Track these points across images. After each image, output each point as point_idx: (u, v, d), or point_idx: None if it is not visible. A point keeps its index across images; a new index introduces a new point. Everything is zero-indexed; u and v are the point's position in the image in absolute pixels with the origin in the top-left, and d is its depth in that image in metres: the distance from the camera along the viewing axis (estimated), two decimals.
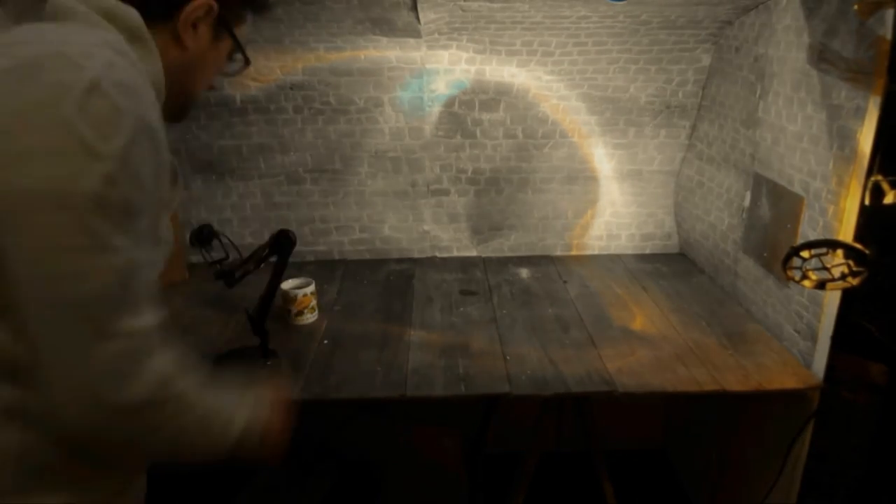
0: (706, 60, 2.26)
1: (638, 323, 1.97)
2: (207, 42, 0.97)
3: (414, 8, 1.92)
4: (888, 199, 1.38)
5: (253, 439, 0.95)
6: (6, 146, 0.71)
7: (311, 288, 2.01)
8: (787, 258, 1.45)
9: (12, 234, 0.72)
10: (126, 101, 0.75)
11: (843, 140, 1.51)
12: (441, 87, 2.35)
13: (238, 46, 1.02)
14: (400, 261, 2.54)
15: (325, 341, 1.88)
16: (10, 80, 0.73)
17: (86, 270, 0.73)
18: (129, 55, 0.83)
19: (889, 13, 1.33)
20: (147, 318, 0.79)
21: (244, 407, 0.95)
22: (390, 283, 2.32)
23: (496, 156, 2.45)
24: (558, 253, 2.59)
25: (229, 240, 1.92)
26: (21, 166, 0.71)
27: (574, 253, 2.60)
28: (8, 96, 0.72)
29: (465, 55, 2.27)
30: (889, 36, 1.34)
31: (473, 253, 2.59)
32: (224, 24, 0.97)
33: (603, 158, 2.47)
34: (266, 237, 1.79)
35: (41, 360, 0.76)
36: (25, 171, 0.71)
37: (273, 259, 1.78)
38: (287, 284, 1.99)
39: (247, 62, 1.05)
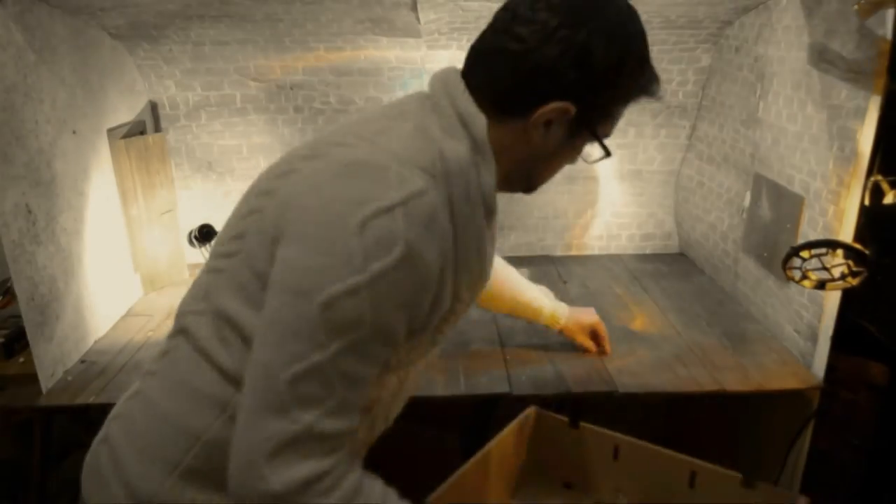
0: (706, 60, 2.26)
1: (638, 323, 1.96)
2: (559, 140, 0.92)
3: (414, 8, 1.92)
4: (888, 199, 1.38)
5: None
6: (300, 223, 0.79)
7: None
8: (787, 258, 1.45)
9: (265, 303, 0.80)
10: (409, 232, 0.77)
11: (843, 140, 1.51)
12: None
13: (600, 144, 0.96)
14: None
15: None
16: (331, 173, 0.82)
17: (293, 353, 0.76)
18: (458, 174, 0.85)
19: (889, 13, 1.33)
20: (327, 425, 0.78)
21: None
22: None
23: None
24: (558, 253, 2.59)
25: None
26: (296, 244, 0.79)
27: (574, 253, 2.59)
28: (319, 191, 0.81)
29: (465, 55, 2.26)
30: (889, 36, 1.34)
31: None
32: (584, 123, 0.92)
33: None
34: None
35: (241, 403, 0.80)
36: (296, 250, 0.79)
37: None
38: None
39: (607, 154, 0.98)
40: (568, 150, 0.97)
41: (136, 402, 0.97)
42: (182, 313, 0.96)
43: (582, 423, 1.45)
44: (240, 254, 0.87)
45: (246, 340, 0.84)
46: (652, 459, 1.36)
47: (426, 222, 0.79)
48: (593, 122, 0.93)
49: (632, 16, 0.91)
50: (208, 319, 0.89)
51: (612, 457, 1.42)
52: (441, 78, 0.94)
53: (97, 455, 0.96)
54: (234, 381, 0.86)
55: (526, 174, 0.98)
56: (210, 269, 0.92)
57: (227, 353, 0.87)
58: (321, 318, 0.76)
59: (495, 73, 0.89)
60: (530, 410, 1.50)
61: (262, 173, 0.94)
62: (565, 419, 1.47)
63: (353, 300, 0.76)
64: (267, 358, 0.78)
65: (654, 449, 1.37)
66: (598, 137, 0.96)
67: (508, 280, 1.65)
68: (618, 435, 1.41)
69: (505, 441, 1.41)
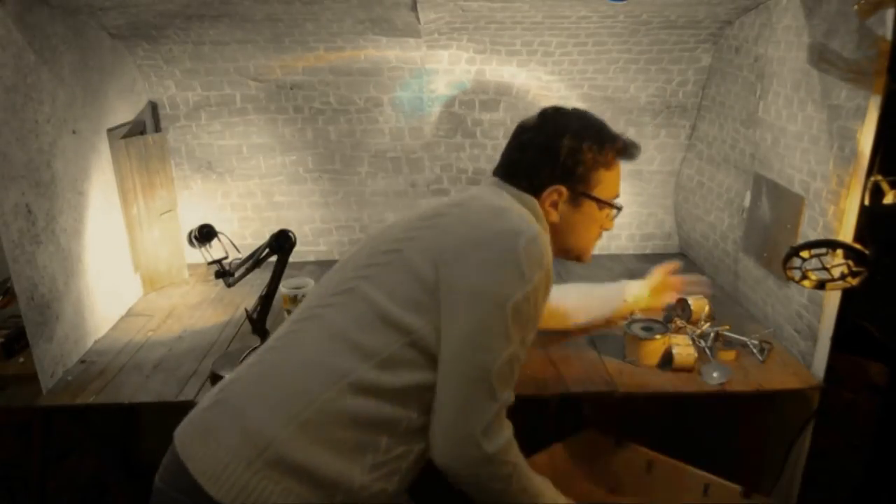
0: (706, 60, 2.26)
1: None
2: (569, 213, 1.27)
3: (414, 8, 1.92)
4: (888, 199, 1.38)
5: None
6: (472, 254, 1.07)
7: (311, 288, 2.01)
8: (787, 258, 1.45)
9: (458, 313, 1.05)
10: (545, 252, 1.10)
11: (843, 140, 1.51)
12: (441, 87, 2.35)
13: (601, 203, 1.28)
14: None
15: None
16: (484, 215, 1.14)
17: (497, 349, 1.05)
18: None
19: (889, 13, 1.33)
20: (511, 396, 1.10)
21: None
22: None
23: (496, 156, 2.43)
24: None
25: (229, 240, 1.92)
26: (477, 269, 1.06)
27: None
28: (481, 225, 1.12)
29: (465, 55, 2.27)
30: (889, 36, 1.34)
31: None
32: (578, 194, 1.25)
33: None
34: (266, 237, 1.79)
35: (442, 397, 1.06)
36: (480, 275, 1.06)
37: (273, 259, 1.78)
38: (287, 284, 1.99)
39: (618, 211, 1.32)
40: (586, 218, 1.28)
41: (256, 368, 1.13)
42: (311, 307, 1.17)
43: (625, 441, 1.69)
44: (391, 265, 1.12)
45: (385, 321, 1.07)
46: (676, 473, 1.61)
47: (548, 245, 1.13)
48: (585, 191, 1.26)
49: (580, 115, 1.28)
50: (343, 308, 1.11)
51: (645, 470, 1.65)
52: (489, 181, 1.30)
53: (204, 419, 1.10)
54: (362, 351, 1.06)
55: (562, 244, 1.30)
56: (357, 276, 1.14)
57: (360, 330, 1.08)
58: (512, 319, 1.05)
59: (513, 177, 1.26)
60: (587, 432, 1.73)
61: (407, 217, 1.22)
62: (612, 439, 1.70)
63: (527, 302, 1.06)
64: (480, 358, 1.05)
65: (678, 465, 1.61)
66: (598, 200, 1.27)
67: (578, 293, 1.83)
68: (651, 453, 1.65)
69: (557, 450, 1.66)
